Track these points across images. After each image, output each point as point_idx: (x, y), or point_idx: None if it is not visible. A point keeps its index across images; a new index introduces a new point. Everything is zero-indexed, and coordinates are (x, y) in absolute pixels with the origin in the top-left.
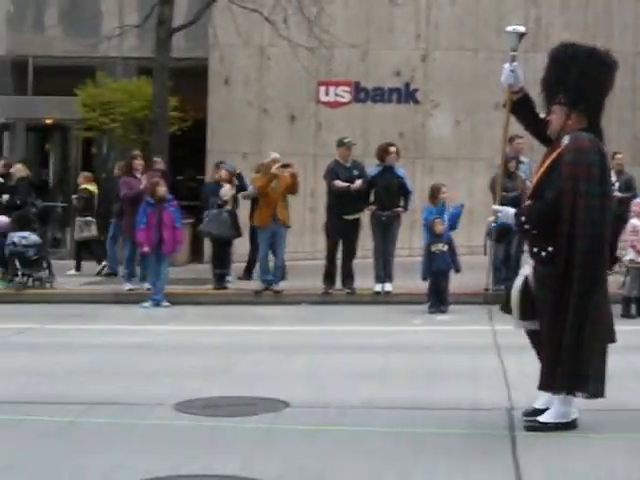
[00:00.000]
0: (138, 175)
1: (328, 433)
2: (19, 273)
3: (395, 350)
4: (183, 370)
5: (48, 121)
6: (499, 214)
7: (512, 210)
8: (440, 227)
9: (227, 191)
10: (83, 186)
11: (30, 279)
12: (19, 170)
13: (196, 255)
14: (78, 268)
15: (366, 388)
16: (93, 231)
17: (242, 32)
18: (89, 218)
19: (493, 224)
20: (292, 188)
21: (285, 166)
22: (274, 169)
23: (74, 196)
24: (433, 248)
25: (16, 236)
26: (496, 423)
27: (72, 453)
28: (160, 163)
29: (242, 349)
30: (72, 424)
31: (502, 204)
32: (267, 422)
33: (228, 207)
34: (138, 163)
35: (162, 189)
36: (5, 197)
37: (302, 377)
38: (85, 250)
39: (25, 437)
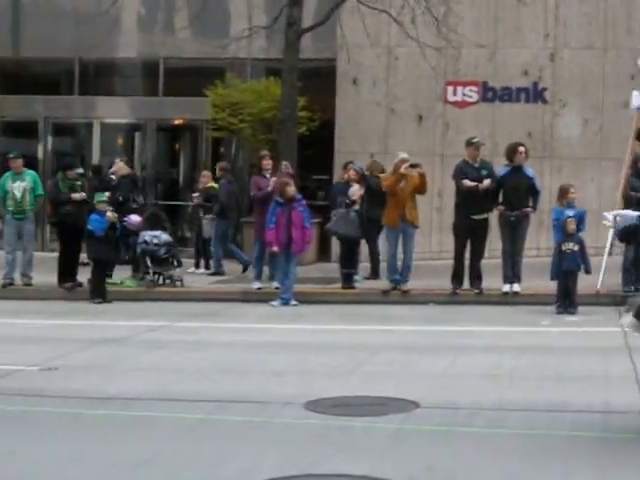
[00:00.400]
0: (267, 175)
1: (459, 434)
2: (150, 271)
3: (524, 351)
4: (312, 369)
5: (178, 121)
6: (618, 218)
7: (634, 213)
8: (572, 226)
9: (355, 191)
10: (209, 184)
11: (160, 277)
12: (121, 168)
13: (324, 254)
14: (207, 266)
15: (496, 389)
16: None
17: (370, 33)
18: (211, 216)
19: (613, 227)
20: (420, 188)
21: (414, 166)
22: (403, 169)
23: (195, 194)
24: (564, 247)
25: (147, 235)
26: (630, 426)
27: (204, 451)
28: (288, 167)
29: (370, 349)
30: (203, 422)
31: (627, 204)
32: (397, 422)
33: (356, 207)
34: (266, 163)
35: (291, 189)
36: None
37: (431, 377)
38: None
39: (158, 434)
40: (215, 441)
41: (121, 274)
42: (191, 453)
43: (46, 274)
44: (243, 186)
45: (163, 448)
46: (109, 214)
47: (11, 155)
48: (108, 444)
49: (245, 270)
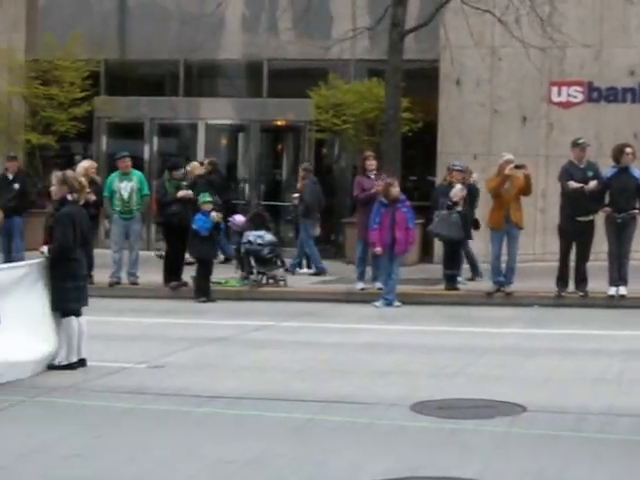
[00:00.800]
0: (371, 176)
1: (567, 439)
2: (254, 271)
3: (632, 355)
4: (417, 370)
5: (281, 122)
6: None
7: None
8: None
9: (457, 192)
10: None
11: (264, 277)
12: (195, 168)
13: (426, 255)
14: (309, 266)
15: (604, 394)
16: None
17: (474, 33)
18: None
19: None
20: (525, 189)
21: (519, 167)
22: (508, 170)
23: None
24: None
25: (252, 235)
26: None
27: (310, 450)
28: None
29: (475, 350)
30: (309, 421)
31: None
32: (504, 425)
33: (458, 208)
34: (370, 164)
35: (395, 189)
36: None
37: (538, 381)
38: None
39: (265, 432)
40: (321, 441)
41: (226, 274)
42: (297, 453)
43: (152, 273)
44: (345, 187)
45: (270, 447)
46: (213, 214)
47: (119, 155)
48: (216, 442)
49: (318, 274)
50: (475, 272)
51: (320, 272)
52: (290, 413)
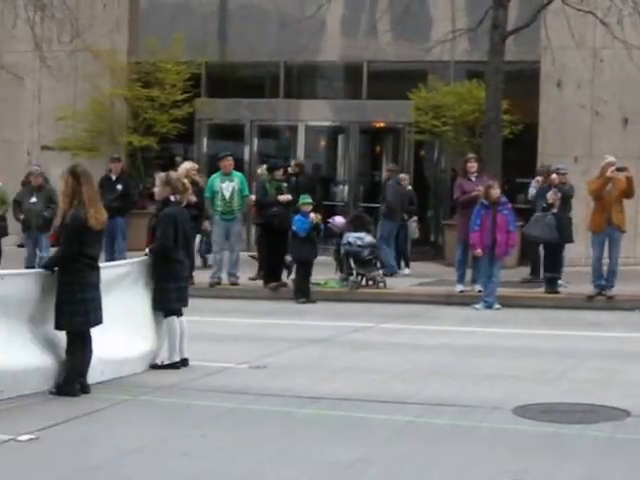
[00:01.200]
0: (472, 178)
1: None
2: (354, 272)
3: None
4: (518, 374)
5: (380, 124)
6: None
7: None
8: None
9: (552, 194)
10: (408, 187)
11: (364, 278)
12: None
13: (526, 258)
14: (407, 265)
15: None
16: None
17: (575, 34)
18: (414, 217)
19: None
20: (628, 192)
21: (620, 170)
22: (609, 172)
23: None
24: None
25: (351, 236)
26: None
27: (412, 453)
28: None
29: (576, 354)
30: (411, 424)
31: None
32: (608, 431)
33: (554, 210)
34: (471, 166)
35: (495, 192)
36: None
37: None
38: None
39: (367, 435)
40: (423, 444)
41: (325, 275)
42: (399, 455)
43: (251, 274)
44: (444, 189)
45: (372, 449)
46: (312, 215)
47: (222, 154)
48: (319, 443)
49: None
50: (536, 274)
51: (391, 273)
52: (391, 415)
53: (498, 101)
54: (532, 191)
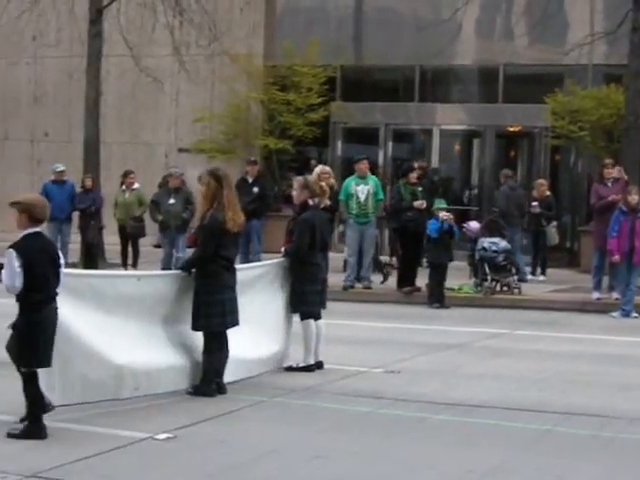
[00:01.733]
0: (609, 184)
1: None
2: (488, 278)
3: None
4: None
5: (515, 128)
6: None
7: None
8: None
9: None
10: (546, 193)
11: (498, 284)
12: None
13: None
14: (543, 272)
15: None
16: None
17: None
18: (554, 223)
19: None
20: None
21: None
22: None
23: (533, 203)
24: None
25: (486, 241)
26: None
27: (549, 463)
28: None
29: None
30: (548, 433)
31: None
32: None
33: None
34: (609, 172)
35: (635, 198)
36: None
37: None
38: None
39: (503, 443)
40: (560, 454)
41: (459, 280)
42: (537, 465)
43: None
44: (580, 194)
45: (509, 458)
46: (442, 214)
47: (358, 157)
48: (454, 450)
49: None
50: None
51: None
52: (528, 423)
53: (638, 105)
54: None
